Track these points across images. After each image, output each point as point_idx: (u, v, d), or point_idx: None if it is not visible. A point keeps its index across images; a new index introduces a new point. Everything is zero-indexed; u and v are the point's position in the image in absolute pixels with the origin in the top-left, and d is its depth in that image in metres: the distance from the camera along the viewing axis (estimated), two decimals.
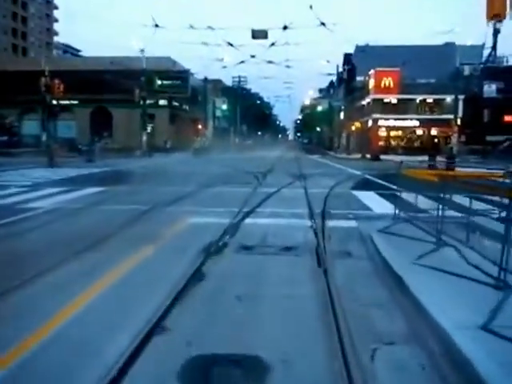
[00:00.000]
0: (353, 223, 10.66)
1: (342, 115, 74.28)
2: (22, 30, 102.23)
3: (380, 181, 21.22)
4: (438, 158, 31.68)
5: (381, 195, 15.56)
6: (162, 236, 9.14)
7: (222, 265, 7.29)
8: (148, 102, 58.24)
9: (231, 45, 36.64)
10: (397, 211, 10.12)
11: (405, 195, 10.84)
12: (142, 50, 50.03)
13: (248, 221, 10.76)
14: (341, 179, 21.39)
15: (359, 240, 8.97)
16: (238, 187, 17.87)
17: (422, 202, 10.21)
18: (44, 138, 46.45)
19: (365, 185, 19.90)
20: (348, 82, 75.31)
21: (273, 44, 35.88)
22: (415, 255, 7.07)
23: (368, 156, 51.44)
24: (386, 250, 7.69)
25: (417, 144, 63.44)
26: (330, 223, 10.45)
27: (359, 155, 54.36)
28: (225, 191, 16.61)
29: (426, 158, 29.46)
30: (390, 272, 6.69)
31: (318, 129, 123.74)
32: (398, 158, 16.74)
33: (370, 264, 7.38)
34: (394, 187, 16.68)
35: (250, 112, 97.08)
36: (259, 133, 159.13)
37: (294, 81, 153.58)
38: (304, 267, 7.15)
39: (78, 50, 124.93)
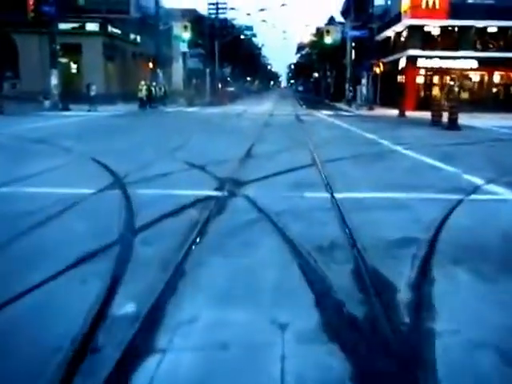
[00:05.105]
0: None
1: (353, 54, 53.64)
2: None
3: None
4: None
5: None
6: None
7: None
8: (70, 26, 38.00)
9: None
10: None
11: None
12: None
13: None
14: None
15: None
16: None
17: None
18: None
19: None
20: (360, 7, 54.21)
21: None
22: None
23: (407, 114, 31.95)
24: None
25: (465, 96, 43.21)
26: None
27: (392, 111, 34.80)
28: None
29: None
30: None
31: (316, 74, 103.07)
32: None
33: None
34: None
35: (233, 51, 76.07)
36: (248, 78, 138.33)
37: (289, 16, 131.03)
38: None
39: None
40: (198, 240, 5.16)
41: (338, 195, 7.61)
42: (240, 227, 5.74)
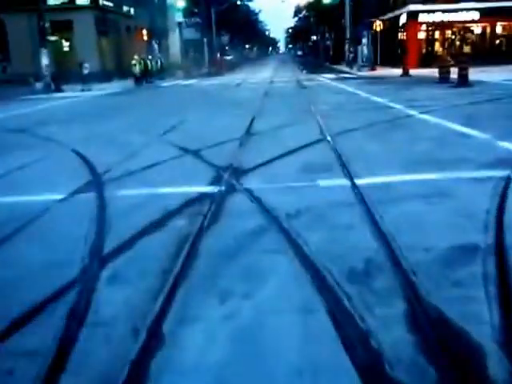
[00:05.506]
0: None
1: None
2: None
3: None
4: None
5: None
6: None
7: None
8: (59, 1, 36.32)
9: None
10: None
11: None
12: None
13: None
14: None
15: None
16: None
17: None
18: None
19: None
20: None
21: None
22: None
23: (411, 72, 30.44)
24: None
25: (467, 49, 41.18)
26: None
27: (395, 70, 33.17)
28: None
29: None
30: None
31: (315, 37, 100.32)
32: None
33: None
34: None
35: (230, 18, 73.81)
36: (246, 46, 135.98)
37: None
38: None
39: None
40: (184, 271, 3.83)
41: (359, 181, 6.26)
42: (241, 243, 4.40)
